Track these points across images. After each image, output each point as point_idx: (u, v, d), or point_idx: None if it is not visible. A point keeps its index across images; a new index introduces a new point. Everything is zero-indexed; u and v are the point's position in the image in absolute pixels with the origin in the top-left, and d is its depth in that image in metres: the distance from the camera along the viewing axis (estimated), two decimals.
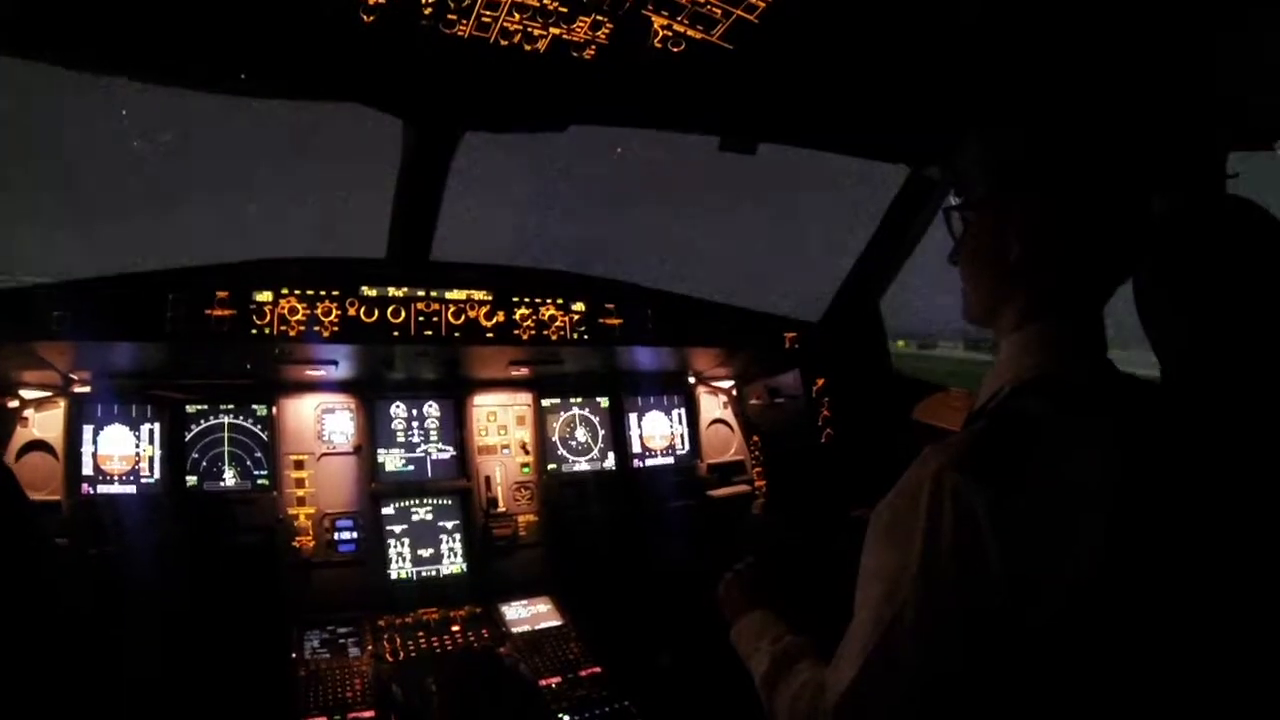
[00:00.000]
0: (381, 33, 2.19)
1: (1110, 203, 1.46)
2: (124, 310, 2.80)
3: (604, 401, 4.08)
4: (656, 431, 4.18)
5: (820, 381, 4.15)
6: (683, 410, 4.27)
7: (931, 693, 1.31)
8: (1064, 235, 1.45)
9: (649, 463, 4.12)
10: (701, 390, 4.35)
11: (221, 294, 2.92)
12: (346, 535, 3.35)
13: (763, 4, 2.07)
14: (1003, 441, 1.33)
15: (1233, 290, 1.61)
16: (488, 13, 2.12)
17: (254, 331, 2.95)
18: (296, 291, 3.01)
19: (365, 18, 2.12)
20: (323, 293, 3.05)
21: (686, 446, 4.24)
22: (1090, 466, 1.29)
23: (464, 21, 2.17)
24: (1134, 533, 1.28)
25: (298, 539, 3.27)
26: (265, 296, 2.97)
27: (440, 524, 3.53)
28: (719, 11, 2.12)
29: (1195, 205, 1.76)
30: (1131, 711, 1.29)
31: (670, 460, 4.17)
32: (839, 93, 2.73)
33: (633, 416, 4.13)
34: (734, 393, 4.42)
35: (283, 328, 2.98)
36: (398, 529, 3.45)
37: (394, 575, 3.37)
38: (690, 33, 2.22)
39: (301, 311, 3.00)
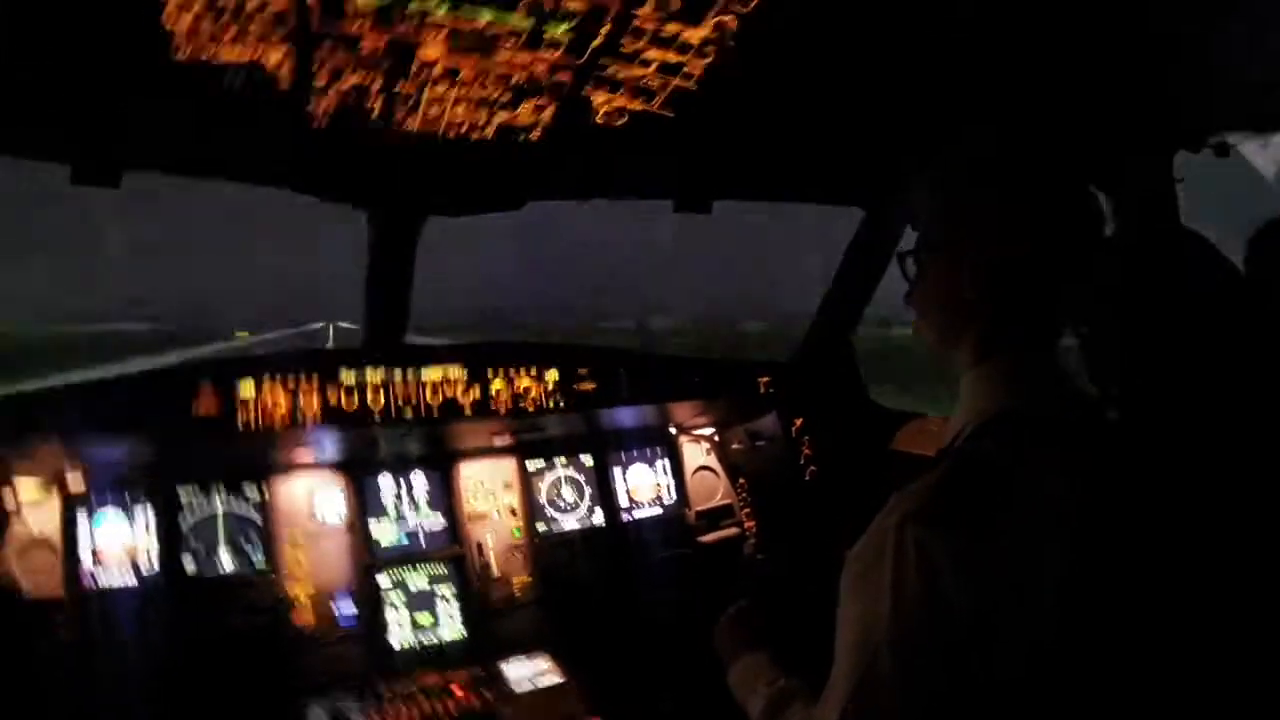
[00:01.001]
0: (334, 133, 2.32)
1: (1062, 242, 1.49)
2: (109, 413, 2.91)
3: (588, 459, 4.15)
4: (642, 483, 4.25)
5: (799, 421, 4.24)
6: (666, 461, 4.35)
7: None
8: (1016, 275, 1.49)
9: (637, 515, 4.18)
10: (684, 439, 4.43)
11: (204, 389, 3.01)
12: (346, 609, 3.40)
13: (699, 71, 2.18)
14: (962, 487, 1.35)
15: (1184, 327, 1.67)
16: (434, 107, 2.26)
17: (239, 425, 3.04)
18: (277, 381, 3.12)
19: (316, 122, 2.26)
20: (304, 382, 3.15)
21: (673, 496, 4.31)
22: (1051, 507, 1.32)
23: (412, 117, 2.30)
24: (1096, 571, 1.32)
25: (298, 617, 3.32)
26: (247, 390, 3.07)
27: (437, 591, 3.59)
28: (656, 83, 2.23)
29: (1145, 242, 1.84)
30: None
31: (658, 511, 4.24)
32: (783, 146, 2.87)
33: (617, 471, 4.20)
34: (716, 439, 4.50)
35: (267, 420, 3.08)
36: (396, 599, 3.50)
37: (395, 644, 3.42)
38: (631, 105, 2.34)
39: (284, 403, 3.10)
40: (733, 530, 4.29)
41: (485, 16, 1.92)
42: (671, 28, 2.00)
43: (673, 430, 4.39)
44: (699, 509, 4.31)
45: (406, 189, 2.85)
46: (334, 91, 2.13)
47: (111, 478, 3.19)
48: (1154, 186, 3.00)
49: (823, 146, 2.91)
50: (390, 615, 3.46)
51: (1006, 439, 1.40)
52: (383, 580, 3.51)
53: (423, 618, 3.51)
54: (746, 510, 4.38)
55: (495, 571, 3.71)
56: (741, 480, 4.44)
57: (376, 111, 2.25)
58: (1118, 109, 2.62)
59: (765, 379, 4.14)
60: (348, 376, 3.22)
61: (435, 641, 3.49)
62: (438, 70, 2.10)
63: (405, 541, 3.67)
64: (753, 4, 1.92)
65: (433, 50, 2.02)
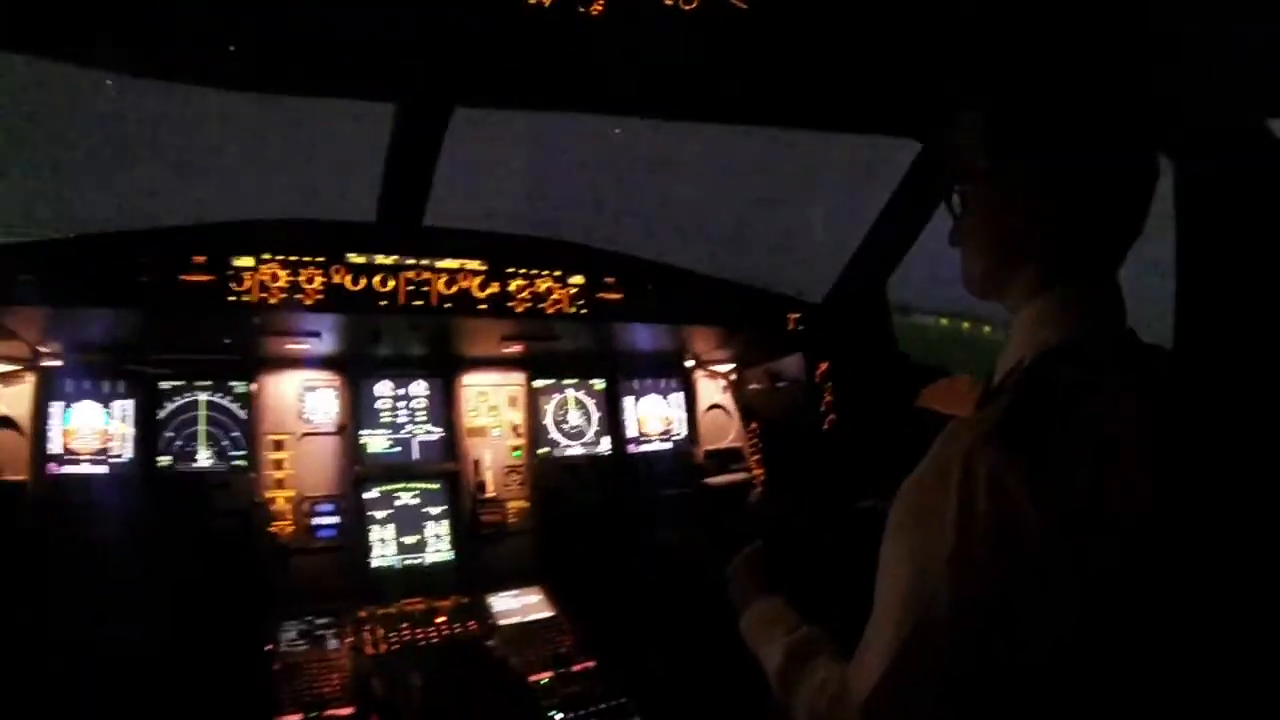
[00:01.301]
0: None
1: (1113, 168, 1.42)
2: (94, 273, 2.64)
3: (599, 384, 3.96)
4: (653, 415, 4.06)
5: (823, 366, 4.04)
6: (680, 394, 4.15)
7: (970, 689, 1.25)
8: (1067, 204, 1.41)
9: (644, 448, 4.00)
10: (699, 374, 4.23)
11: (198, 258, 2.74)
12: (327, 520, 3.22)
13: None
14: (1034, 411, 1.27)
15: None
16: None
17: (232, 299, 2.77)
18: (279, 257, 2.84)
19: None
20: (306, 259, 2.87)
21: (684, 431, 4.12)
22: (1132, 433, 1.24)
23: None
24: (1180, 498, 1.24)
25: (275, 523, 3.14)
26: (245, 261, 2.79)
27: (426, 509, 3.41)
28: None
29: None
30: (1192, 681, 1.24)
31: (667, 446, 4.05)
32: (840, 69, 2.66)
33: (628, 400, 4.01)
34: (732, 377, 4.31)
35: (263, 295, 2.80)
36: (381, 514, 3.33)
37: (376, 563, 3.25)
38: None
39: (284, 278, 2.82)
40: (740, 475, 4.13)
41: None
42: None
43: (689, 363, 4.19)
44: (709, 449, 4.13)
45: (441, 72, 2.58)
46: None
47: (90, 358, 3.00)
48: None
49: (881, 72, 2.69)
50: (374, 531, 3.29)
51: (1076, 366, 1.32)
52: (369, 493, 3.34)
53: (409, 537, 3.34)
54: (756, 456, 4.21)
55: (490, 492, 3.53)
56: (754, 424, 4.25)
57: None
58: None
59: (795, 315, 3.92)
60: (355, 256, 2.95)
61: (420, 564, 3.33)
62: None
63: (397, 452, 3.49)
64: None
65: None
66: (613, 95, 2.89)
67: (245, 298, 2.78)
